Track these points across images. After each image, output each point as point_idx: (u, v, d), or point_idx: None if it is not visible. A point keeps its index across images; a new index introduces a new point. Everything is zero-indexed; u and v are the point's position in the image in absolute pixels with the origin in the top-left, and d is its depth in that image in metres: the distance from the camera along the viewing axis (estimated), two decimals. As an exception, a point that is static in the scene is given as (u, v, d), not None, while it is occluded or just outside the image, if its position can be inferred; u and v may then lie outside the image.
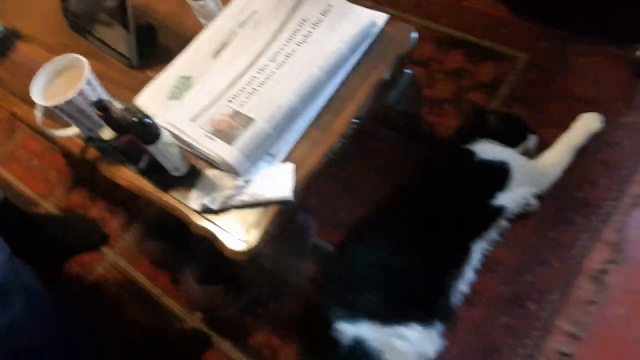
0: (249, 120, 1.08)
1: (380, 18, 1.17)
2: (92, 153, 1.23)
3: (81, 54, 1.19)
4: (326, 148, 1.08)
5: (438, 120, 1.59)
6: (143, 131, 1.02)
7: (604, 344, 1.20)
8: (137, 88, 1.28)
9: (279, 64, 1.14)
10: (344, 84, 1.14)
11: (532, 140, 1.41)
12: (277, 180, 1.05)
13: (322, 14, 1.18)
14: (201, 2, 1.29)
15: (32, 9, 1.57)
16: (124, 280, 1.64)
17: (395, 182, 1.49)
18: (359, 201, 1.53)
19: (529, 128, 1.43)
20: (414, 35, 1.16)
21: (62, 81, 1.17)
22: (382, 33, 1.17)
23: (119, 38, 1.34)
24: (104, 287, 1.66)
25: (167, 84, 1.23)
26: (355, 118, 1.10)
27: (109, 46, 1.39)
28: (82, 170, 1.87)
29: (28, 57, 1.47)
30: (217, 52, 1.24)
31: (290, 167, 1.07)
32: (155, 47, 1.36)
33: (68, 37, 1.48)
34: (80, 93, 1.10)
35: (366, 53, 1.16)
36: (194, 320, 1.50)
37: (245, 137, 1.06)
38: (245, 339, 1.43)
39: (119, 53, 1.36)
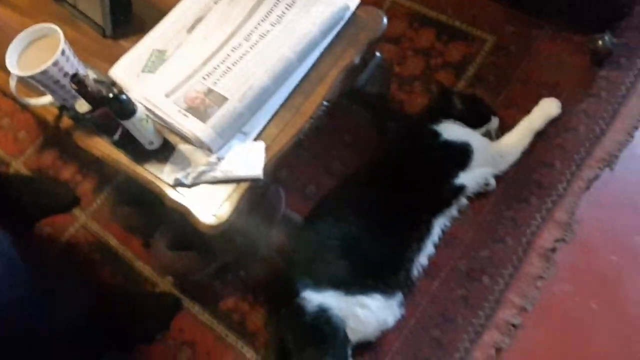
0: (222, 99, 1.11)
1: (352, 2, 1.20)
2: (67, 122, 1.25)
3: (53, 19, 1.20)
4: (296, 129, 1.12)
5: (407, 98, 1.63)
6: (118, 107, 1.05)
7: (549, 317, 1.30)
8: (110, 58, 1.29)
9: (253, 43, 1.17)
10: (315, 66, 1.17)
11: (494, 122, 1.47)
12: (249, 159, 1.09)
13: (296, -5, 1.21)
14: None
15: (3, -31, 1.55)
16: (95, 242, 1.67)
17: (363, 157, 1.54)
18: (328, 174, 1.58)
19: (491, 110, 1.49)
20: (385, 21, 1.20)
21: (36, 50, 1.17)
22: (354, 17, 1.20)
23: (92, 5, 1.34)
24: (75, 249, 1.69)
25: (142, 57, 1.24)
26: (325, 100, 1.15)
27: (82, 13, 1.39)
28: (53, 132, 1.87)
29: (0, 19, 1.46)
30: (192, 27, 1.25)
31: (261, 145, 1.11)
32: (129, 17, 1.37)
33: (40, 1, 1.46)
34: (55, 64, 1.11)
35: (337, 37, 1.19)
36: (165, 284, 1.55)
37: (219, 116, 1.10)
38: (215, 304, 1.49)
39: (93, 21, 1.37)
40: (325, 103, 1.15)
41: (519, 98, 1.54)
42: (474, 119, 1.46)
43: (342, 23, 1.19)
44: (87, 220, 1.70)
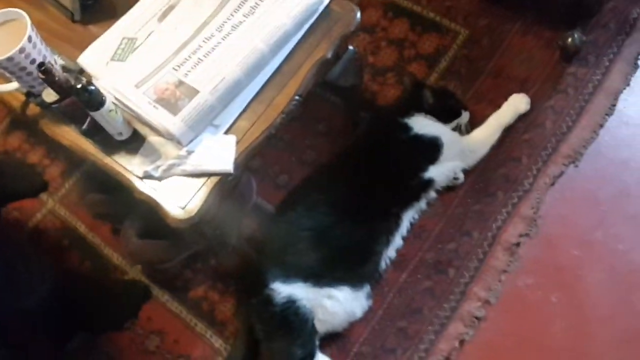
0: (193, 92, 1.10)
1: (326, -5, 1.20)
2: (33, 109, 1.23)
3: (20, 1, 1.16)
4: (268, 123, 1.12)
5: (380, 89, 1.64)
6: (87, 98, 1.04)
7: (511, 310, 1.34)
8: (79, 44, 1.27)
9: (225, 34, 1.16)
10: (287, 59, 1.17)
11: (464, 117, 1.49)
12: (219, 152, 1.09)
13: (270, -14, 1.19)
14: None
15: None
16: (63, 228, 1.65)
17: (336, 147, 1.55)
18: (300, 163, 1.59)
19: (462, 104, 1.50)
20: (359, 15, 1.20)
21: (2, 35, 1.14)
22: (328, 10, 1.20)
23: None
24: (43, 235, 1.67)
25: (112, 45, 1.22)
26: (297, 95, 1.14)
27: (50, -5, 1.36)
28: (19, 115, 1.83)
29: (-37, 0, 1.41)
30: (164, 15, 1.23)
31: (232, 139, 1.10)
32: (98, 1, 1.34)
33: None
34: (21, 51, 1.09)
35: (311, 30, 1.19)
36: (134, 272, 1.55)
37: (189, 109, 1.09)
38: (185, 293, 1.49)
39: (61, 4, 1.34)
40: (297, 97, 1.15)
41: (490, 92, 1.56)
42: (445, 113, 1.48)
43: (315, 16, 1.19)
44: (56, 206, 1.68)
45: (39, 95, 1.17)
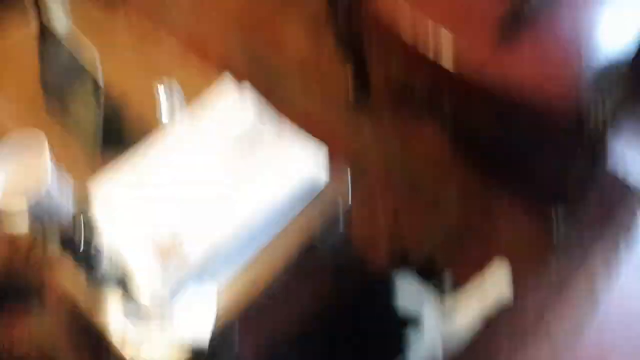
0: (183, 258, 1.18)
1: (322, 178, 1.28)
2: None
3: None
4: (246, 298, 1.20)
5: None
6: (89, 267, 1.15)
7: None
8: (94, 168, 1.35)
9: (223, 200, 1.24)
10: (277, 235, 1.25)
11: (446, 279, 1.55)
12: (196, 323, 1.17)
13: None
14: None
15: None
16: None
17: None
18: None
19: (443, 269, 1.56)
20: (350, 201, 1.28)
21: (20, 166, 1.22)
22: (323, 192, 1.28)
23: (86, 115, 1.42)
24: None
25: (117, 188, 1.31)
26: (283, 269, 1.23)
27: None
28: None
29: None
30: (168, 166, 1.32)
31: (212, 311, 1.18)
32: (120, 131, 1.43)
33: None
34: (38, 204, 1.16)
35: (303, 209, 1.27)
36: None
37: (176, 273, 1.17)
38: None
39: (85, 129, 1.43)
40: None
41: (475, 258, 1.61)
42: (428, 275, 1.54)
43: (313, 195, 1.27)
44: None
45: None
